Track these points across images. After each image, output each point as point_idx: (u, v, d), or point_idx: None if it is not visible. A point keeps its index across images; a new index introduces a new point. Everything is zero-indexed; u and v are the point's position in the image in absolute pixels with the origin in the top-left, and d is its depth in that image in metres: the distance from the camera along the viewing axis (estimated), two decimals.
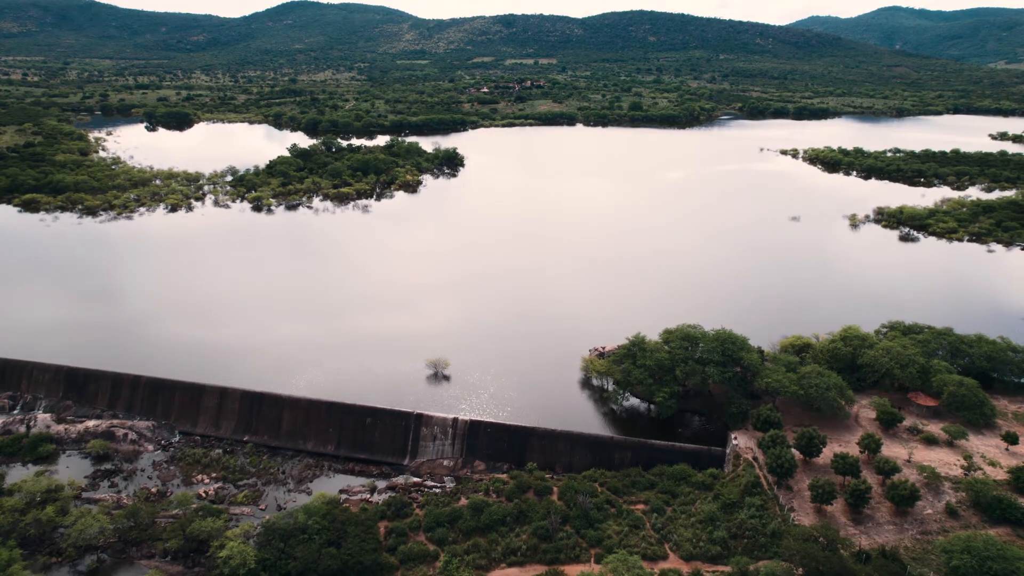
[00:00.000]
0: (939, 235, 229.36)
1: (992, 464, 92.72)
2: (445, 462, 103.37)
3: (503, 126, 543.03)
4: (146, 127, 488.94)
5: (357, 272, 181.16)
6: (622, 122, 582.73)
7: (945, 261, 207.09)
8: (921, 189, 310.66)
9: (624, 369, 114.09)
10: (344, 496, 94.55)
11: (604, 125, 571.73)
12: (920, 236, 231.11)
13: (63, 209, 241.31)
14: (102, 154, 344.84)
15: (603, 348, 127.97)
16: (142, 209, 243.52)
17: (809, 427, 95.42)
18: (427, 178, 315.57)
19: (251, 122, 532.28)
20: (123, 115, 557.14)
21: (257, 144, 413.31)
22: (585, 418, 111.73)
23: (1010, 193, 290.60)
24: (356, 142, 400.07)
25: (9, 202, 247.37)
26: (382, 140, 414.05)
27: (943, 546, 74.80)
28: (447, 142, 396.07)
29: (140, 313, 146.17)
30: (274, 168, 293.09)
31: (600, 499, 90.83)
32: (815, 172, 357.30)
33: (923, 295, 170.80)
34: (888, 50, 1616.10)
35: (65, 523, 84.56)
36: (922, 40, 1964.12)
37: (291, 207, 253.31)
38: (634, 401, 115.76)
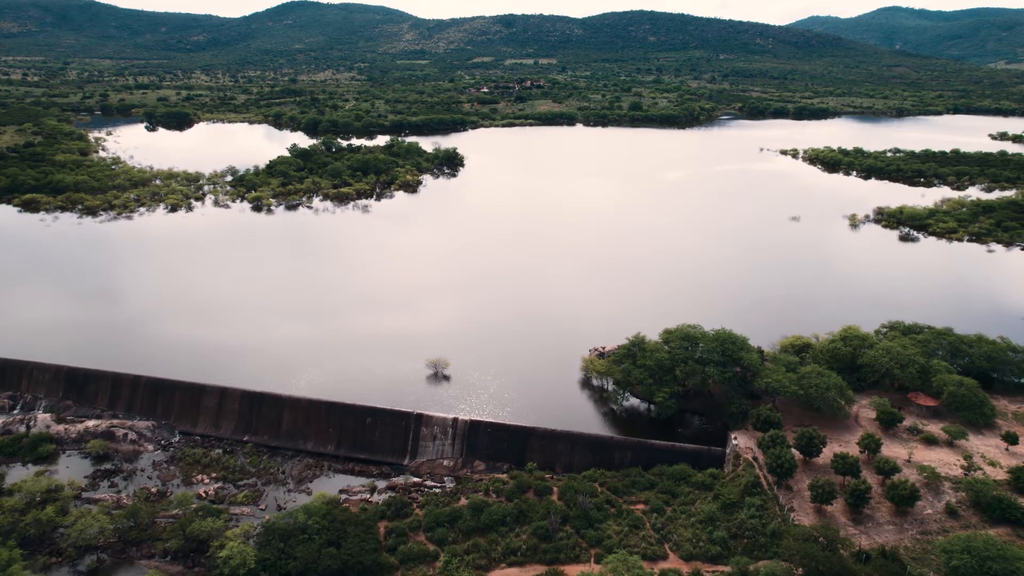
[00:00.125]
0: (939, 235, 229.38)
1: (992, 464, 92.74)
2: (445, 462, 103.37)
3: (503, 126, 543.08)
4: (146, 127, 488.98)
5: (357, 272, 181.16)
6: (622, 122, 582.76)
7: (945, 261, 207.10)
8: (921, 189, 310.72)
9: (624, 369, 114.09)
10: (344, 496, 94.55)
11: (604, 125, 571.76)
12: (920, 236, 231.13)
13: (63, 209, 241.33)
14: (102, 154, 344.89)
15: (603, 348, 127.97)
16: (142, 209, 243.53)
17: (809, 427, 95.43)
18: (427, 178, 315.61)
19: (251, 122, 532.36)
20: (123, 115, 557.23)
21: (257, 144, 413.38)
22: (585, 418, 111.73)
23: (1010, 193, 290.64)
24: (356, 142, 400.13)
25: (9, 202, 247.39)
26: (382, 140, 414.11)
27: (943, 546, 74.81)
28: (447, 142, 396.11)
29: (140, 313, 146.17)
30: (274, 168, 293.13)
31: (600, 499, 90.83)
32: (815, 172, 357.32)
33: (923, 295, 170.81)
34: (888, 50, 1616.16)
35: (65, 523, 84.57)
36: (922, 40, 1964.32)
37: (291, 207, 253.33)
38: (634, 401, 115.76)
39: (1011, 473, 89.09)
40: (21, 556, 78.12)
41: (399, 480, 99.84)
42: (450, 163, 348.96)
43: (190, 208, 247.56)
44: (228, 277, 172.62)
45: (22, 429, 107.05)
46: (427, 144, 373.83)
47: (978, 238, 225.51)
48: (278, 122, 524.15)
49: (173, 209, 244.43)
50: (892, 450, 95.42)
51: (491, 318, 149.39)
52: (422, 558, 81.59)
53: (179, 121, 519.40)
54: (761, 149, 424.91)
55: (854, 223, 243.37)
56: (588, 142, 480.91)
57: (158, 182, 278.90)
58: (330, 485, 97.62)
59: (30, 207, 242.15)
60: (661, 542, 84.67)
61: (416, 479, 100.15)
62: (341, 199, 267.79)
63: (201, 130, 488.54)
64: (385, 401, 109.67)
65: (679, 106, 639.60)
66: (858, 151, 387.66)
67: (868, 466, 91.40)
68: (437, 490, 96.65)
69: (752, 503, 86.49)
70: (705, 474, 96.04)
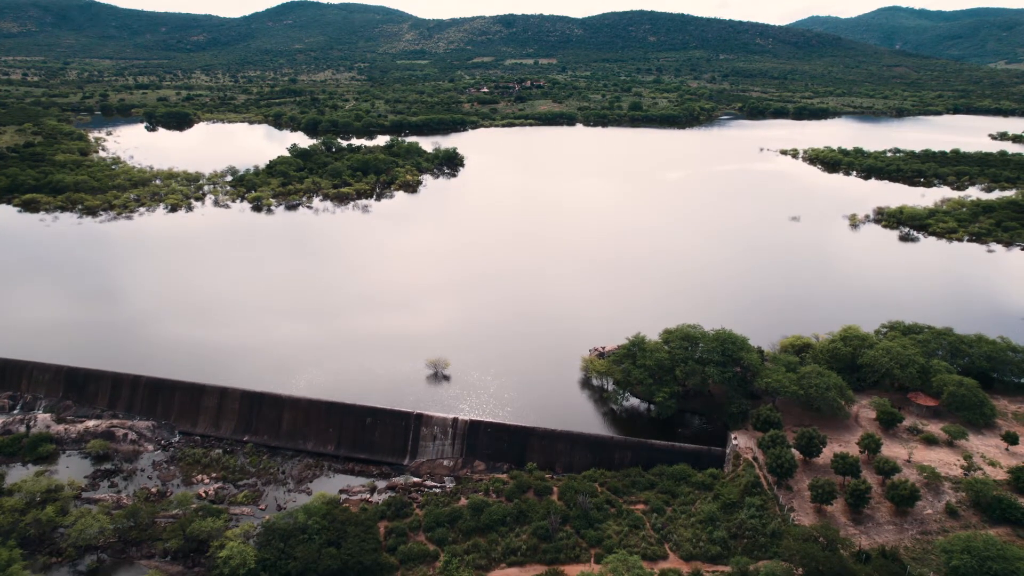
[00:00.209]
0: (939, 235, 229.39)
1: (992, 464, 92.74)
2: (445, 462, 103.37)
3: (503, 126, 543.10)
4: (146, 127, 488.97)
5: (357, 272, 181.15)
6: (622, 122, 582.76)
7: (945, 261, 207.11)
8: (921, 189, 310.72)
9: (624, 369, 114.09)
10: (344, 496, 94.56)
11: (604, 125, 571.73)
12: (920, 236, 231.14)
13: (63, 209, 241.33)
14: (102, 154, 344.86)
15: (603, 348, 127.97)
16: (142, 209, 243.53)
17: (809, 427, 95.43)
18: (427, 178, 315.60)
19: (251, 122, 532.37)
20: (123, 115, 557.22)
21: (257, 144, 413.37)
22: (585, 418, 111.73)
23: (1010, 193, 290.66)
24: (356, 142, 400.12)
25: (9, 202, 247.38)
26: (382, 140, 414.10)
27: (943, 546, 74.82)
28: (447, 142, 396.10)
29: (140, 313, 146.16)
30: (274, 168, 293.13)
31: (600, 499, 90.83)
32: (815, 172, 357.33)
33: (923, 295, 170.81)
34: (888, 50, 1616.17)
35: (65, 523, 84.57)
36: (922, 40, 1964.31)
37: (291, 207, 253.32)
38: (634, 401, 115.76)
39: (1011, 473, 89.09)
40: (21, 556, 78.12)
41: (399, 480, 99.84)
42: (450, 163, 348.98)
43: (190, 208, 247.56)
44: (228, 277, 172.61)
45: (22, 429, 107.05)
46: (427, 144, 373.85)
47: (978, 238, 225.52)
48: (278, 122, 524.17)
49: (173, 209, 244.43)
50: (892, 450, 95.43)
51: (491, 318, 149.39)
52: (422, 558, 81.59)
53: (179, 121, 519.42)
54: (761, 149, 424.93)
55: (854, 223, 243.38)
56: (588, 142, 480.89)
57: (158, 182, 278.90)
58: (330, 485, 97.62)
59: (30, 207, 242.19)
60: (661, 542, 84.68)
61: (416, 479, 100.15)
62: (341, 199, 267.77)
63: (201, 130, 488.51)
64: (385, 401, 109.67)
65: (679, 106, 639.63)
66: (858, 151, 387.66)
67: (868, 466, 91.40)
68: (437, 490, 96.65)
69: (752, 503, 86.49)
70: (705, 474, 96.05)
